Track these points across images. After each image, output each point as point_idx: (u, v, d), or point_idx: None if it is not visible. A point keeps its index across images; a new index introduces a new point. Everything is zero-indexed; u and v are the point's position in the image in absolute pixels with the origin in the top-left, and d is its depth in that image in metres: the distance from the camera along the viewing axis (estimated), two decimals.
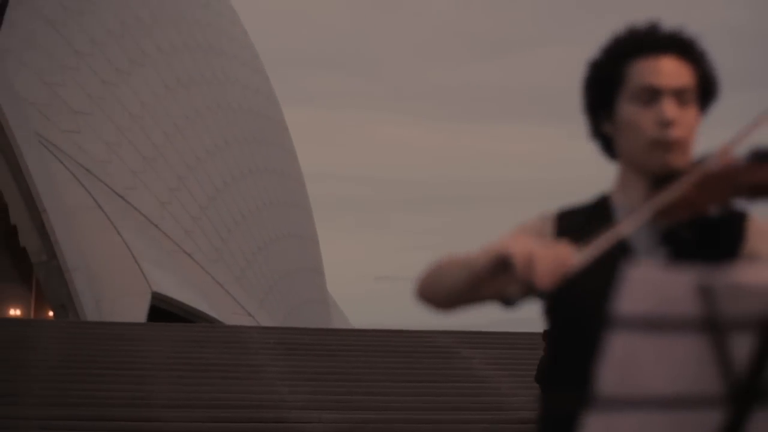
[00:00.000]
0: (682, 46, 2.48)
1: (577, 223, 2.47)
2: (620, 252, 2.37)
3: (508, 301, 2.24)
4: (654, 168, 2.42)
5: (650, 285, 1.63)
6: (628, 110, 2.43)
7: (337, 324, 43.41)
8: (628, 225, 2.29)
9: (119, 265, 36.08)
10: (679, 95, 2.43)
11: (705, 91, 2.49)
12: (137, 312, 34.20)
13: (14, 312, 37.55)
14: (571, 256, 2.20)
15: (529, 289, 2.23)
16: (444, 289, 2.38)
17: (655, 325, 1.65)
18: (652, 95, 2.42)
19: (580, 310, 2.39)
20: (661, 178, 2.39)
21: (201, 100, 44.65)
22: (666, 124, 2.40)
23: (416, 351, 23.61)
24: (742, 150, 2.33)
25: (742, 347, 1.70)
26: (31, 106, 38.70)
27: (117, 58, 42.52)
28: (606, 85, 2.47)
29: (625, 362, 1.67)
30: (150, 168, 41.53)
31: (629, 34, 2.48)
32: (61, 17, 41.84)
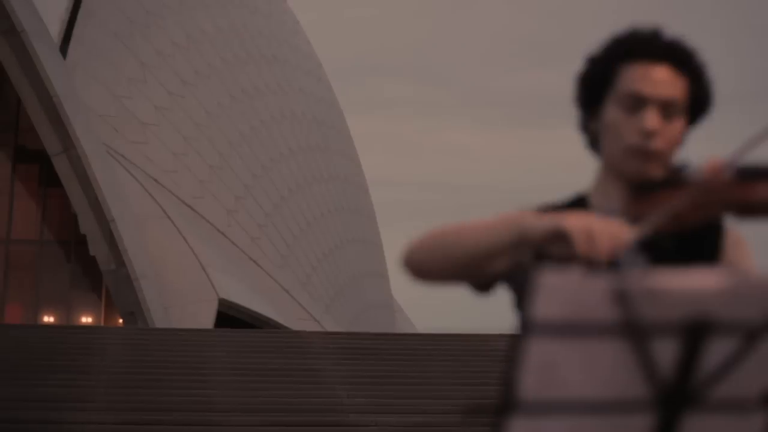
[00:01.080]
0: (678, 57, 2.42)
1: None
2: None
3: (484, 288, 2.23)
4: (630, 175, 2.39)
5: (565, 291, 1.62)
6: (612, 113, 2.39)
7: (402, 328, 43.41)
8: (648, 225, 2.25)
9: (187, 272, 36.36)
10: (665, 106, 2.38)
11: (697, 104, 2.45)
12: (205, 318, 34.45)
13: (86, 319, 37.93)
14: (626, 232, 2.18)
15: (589, 262, 2.18)
16: (447, 259, 2.28)
17: (573, 330, 1.64)
18: (637, 102, 2.37)
19: None
20: (637, 186, 2.36)
21: (265, 109, 44.90)
22: (647, 134, 2.36)
23: (477, 355, 23.55)
24: (731, 166, 2.30)
25: (667, 352, 1.68)
26: (99, 118, 39.13)
27: (183, 69, 42.88)
28: (597, 83, 2.43)
29: (545, 367, 1.66)
30: (216, 177, 41.82)
31: (629, 37, 2.44)
32: (128, 31, 42.26)
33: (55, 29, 40.70)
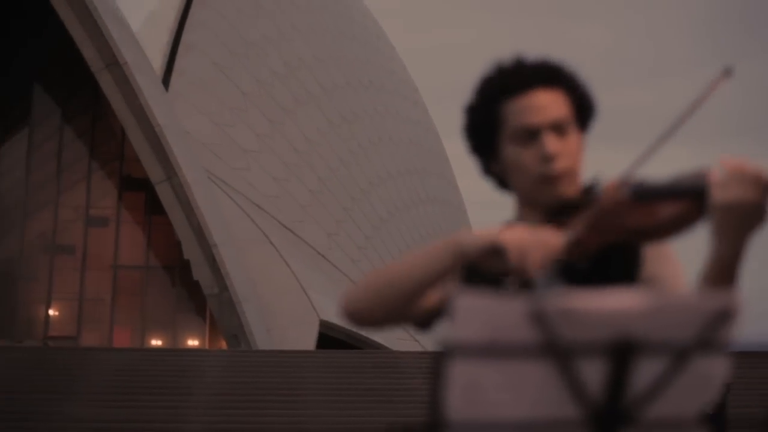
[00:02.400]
0: (548, 77, 2.41)
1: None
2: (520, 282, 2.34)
3: (424, 324, 2.24)
4: (545, 202, 2.37)
5: (482, 313, 1.60)
6: (510, 151, 2.38)
7: None
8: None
9: (288, 295, 36.60)
10: (556, 127, 2.38)
11: (582, 111, 2.44)
12: (306, 340, 34.63)
13: (192, 342, 38.35)
14: (560, 242, 2.18)
15: (522, 277, 2.19)
16: (385, 301, 2.27)
17: (494, 351, 1.62)
18: (530, 134, 2.36)
19: None
20: (554, 209, 2.34)
21: (363, 134, 45.15)
22: (549, 159, 2.35)
23: None
24: (624, 187, 2.25)
25: (594, 372, 1.66)
26: (202, 146, 39.67)
27: (282, 97, 43.30)
28: (485, 129, 2.42)
29: (469, 388, 1.64)
30: (317, 201, 42.10)
31: (497, 75, 2.42)
32: (229, 61, 42.82)
33: (158, 61, 41.42)
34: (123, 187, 37.67)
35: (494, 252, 2.18)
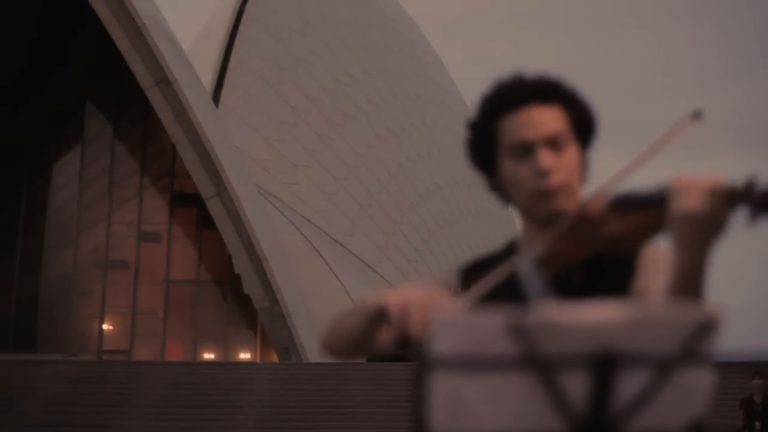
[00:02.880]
0: (545, 93, 2.43)
1: (485, 271, 2.44)
2: (513, 298, 2.35)
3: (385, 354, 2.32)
4: (542, 215, 2.38)
5: (460, 327, 1.61)
6: (507, 166, 2.40)
7: None
8: (503, 272, 2.26)
9: (338, 308, 36.61)
10: (551, 142, 2.38)
11: (581, 127, 2.44)
12: None
13: (243, 356, 38.51)
14: (445, 302, 2.23)
15: (405, 339, 2.29)
16: (342, 340, 2.45)
17: (474, 364, 1.62)
18: (525, 149, 2.37)
19: None
20: (552, 223, 2.35)
21: (412, 147, 45.18)
22: (543, 174, 2.35)
23: None
24: (604, 197, 2.28)
25: (577, 385, 1.65)
26: (252, 161, 39.89)
27: (331, 112, 43.45)
28: (485, 146, 2.45)
29: (453, 401, 1.64)
30: (366, 215, 42.17)
31: (495, 92, 2.45)
32: (278, 77, 43.04)
33: (208, 78, 41.70)
34: (174, 203, 37.93)
35: (383, 313, 2.28)
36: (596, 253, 2.28)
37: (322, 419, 20.16)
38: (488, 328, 1.60)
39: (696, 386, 1.66)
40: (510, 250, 2.47)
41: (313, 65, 43.87)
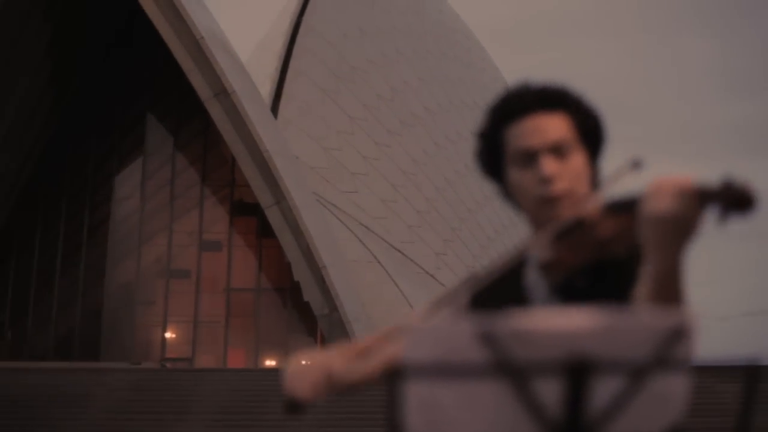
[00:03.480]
0: (549, 100, 2.42)
1: (493, 288, 2.44)
2: (518, 302, 2.35)
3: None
4: (547, 222, 2.38)
5: (432, 334, 1.61)
6: (513, 174, 2.40)
7: None
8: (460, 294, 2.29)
9: (398, 315, 36.65)
10: (556, 150, 2.38)
11: (588, 134, 2.43)
12: None
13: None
14: (335, 367, 2.32)
15: (293, 404, 2.37)
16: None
17: (447, 371, 1.62)
18: (529, 157, 2.37)
19: None
20: (560, 230, 2.34)
21: (469, 154, 44.82)
22: (546, 181, 2.35)
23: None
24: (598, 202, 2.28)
25: (551, 391, 1.65)
26: (311, 171, 40.05)
27: (388, 120, 43.52)
28: (492, 154, 2.45)
29: (427, 408, 1.65)
30: (424, 222, 42.17)
31: (501, 101, 2.46)
32: (335, 86, 43.19)
33: (266, 89, 41.95)
34: (234, 212, 38.17)
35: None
36: (597, 258, 2.27)
37: (384, 424, 20.18)
38: (459, 336, 1.60)
39: (671, 392, 1.66)
40: (520, 261, 2.48)
41: (369, 74, 43.97)
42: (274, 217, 34.00)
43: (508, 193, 2.48)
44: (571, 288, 2.33)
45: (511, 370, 1.62)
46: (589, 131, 2.43)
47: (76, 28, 36.40)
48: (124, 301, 37.65)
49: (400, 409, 1.65)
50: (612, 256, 2.26)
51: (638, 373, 1.63)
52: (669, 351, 1.62)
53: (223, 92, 33.28)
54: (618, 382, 1.64)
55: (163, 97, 38.75)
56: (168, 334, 37.58)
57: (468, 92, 46.41)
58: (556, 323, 1.61)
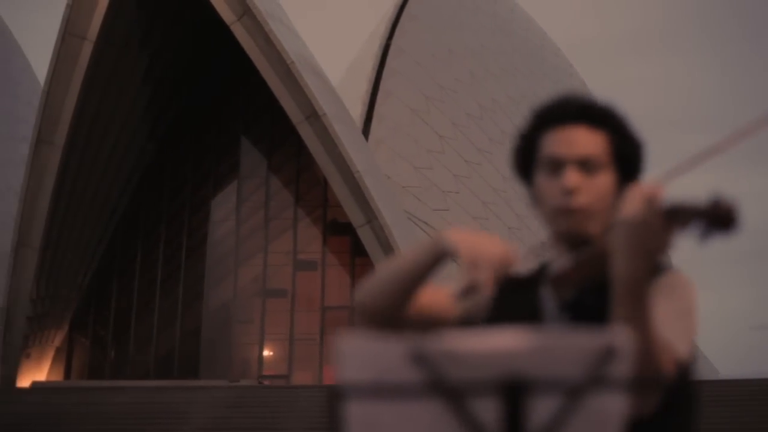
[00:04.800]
0: (591, 116, 2.40)
1: (514, 293, 2.42)
2: (529, 316, 2.33)
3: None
4: (562, 234, 2.36)
5: (364, 355, 1.62)
6: (539, 180, 2.41)
7: (703, 374, 42.00)
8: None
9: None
10: (584, 164, 2.36)
11: (624, 157, 2.40)
12: None
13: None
14: (515, 257, 2.22)
15: (470, 288, 2.25)
16: (386, 291, 2.41)
17: (384, 392, 1.63)
18: (556, 165, 2.37)
19: None
20: (575, 244, 2.33)
21: None
22: (567, 192, 2.33)
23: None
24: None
25: (489, 411, 1.65)
26: (403, 190, 40.13)
27: (478, 138, 43.45)
28: (526, 156, 2.44)
29: (368, 427, 1.65)
30: (515, 238, 41.99)
31: (545, 107, 2.45)
32: (424, 106, 43.26)
33: (357, 111, 42.17)
34: (328, 232, 38.38)
35: (448, 254, 2.23)
36: (600, 273, 2.25)
37: None
38: (391, 356, 1.61)
39: (609, 411, 1.64)
40: (542, 269, 2.47)
41: (458, 93, 43.96)
42: (366, 236, 34.10)
43: (533, 198, 2.48)
44: (580, 305, 2.32)
45: (445, 390, 1.62)
46: (626, 156, 2.41)
47: (170, 57, 36.98)
48: (222, 320, 38.05)
49: (342, 428, 1.66)
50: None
51: (574, 393, 1.62)
52: (603, 370, 1.61)
53: (313, 115, 33.52)
54: (555, 402, 1.63)
55: (256, 121, 39.16)
56: (265, 352, 37.87)
57: None
58: (489, 343, 1.62)
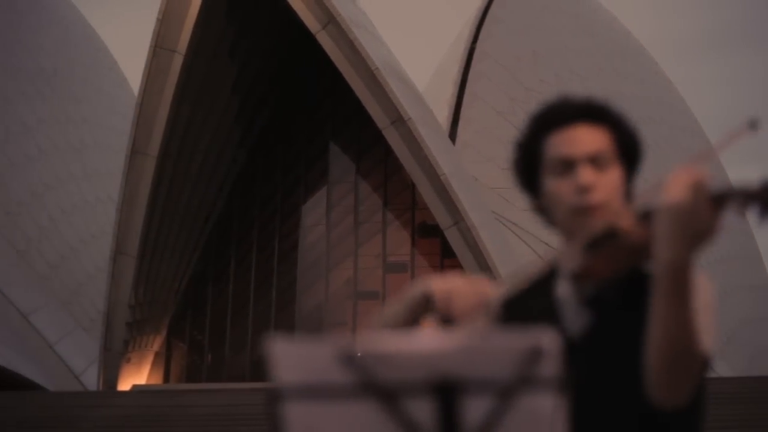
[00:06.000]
0: (591, 114, 2.38)
1: (523, 299, 2.39)
2: (548, 314, 2.30)
3: None
4: (581, 233, 2.32)
5: (295, 357, 1.64)
6: (549, 184, 2.37)
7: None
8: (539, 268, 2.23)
9: None
10: (594, 161, 2.33)
11: (626, 150, 2.37)
12: None
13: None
14: (489, 290, 2.20)
15: (449, 324, 2.24)
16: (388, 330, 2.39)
17: (317, 393, 1.65)
18: (567, 165, 2.34)
19: None
20: (591, 240, 2.28)
21: (648, 170, 44.06)
22: (583, 190, 2.30)
23: None
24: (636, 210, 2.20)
25: (424, 410, 1.65)
26: (491, 191, 39.99)
27: None
28: (529, 164, 2.41)
29: (306, 429, 1.67)
30: None
31: (543, 111, 2.41)
32: (510, 108, 43.09)
33: (444, 114, 42.15)
34: (417, 234, 38.38)
35: (428, 299, 2.23)
36: (628, 269, 2.21)
37: None
38: (321, 358, 1.63)
39: (541, 411, 1.64)
40: (551, 273, 2.44)
41: (543, 94, 43.57)
42: (453, 237, 34.06)
43: (542, 206, 2.45)
44: (601, 300, 2.28)
45: (378, 391, 1.63)
46: (628, 148, 2.39)
47: (258, 66, 37.33)
48: (315, 323, 38.27)
49: (282, 430, 1.68)
50: (647, 266, 2.19)
51: (505, 393, 1.63)
52: (530, 371, 1.61)
53: (399, 120, 33.58)
54: (487, 401, 1.63)
55: (344, 128, 39.33)
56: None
57: (642, 108, 45.62)
58: (419, 345, 1.62)
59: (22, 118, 44.44)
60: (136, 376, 35.38)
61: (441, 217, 34.02)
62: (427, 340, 1.63)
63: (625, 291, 2.24)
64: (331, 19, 33.75)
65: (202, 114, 35.39)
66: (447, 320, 2.21)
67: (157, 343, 37.18)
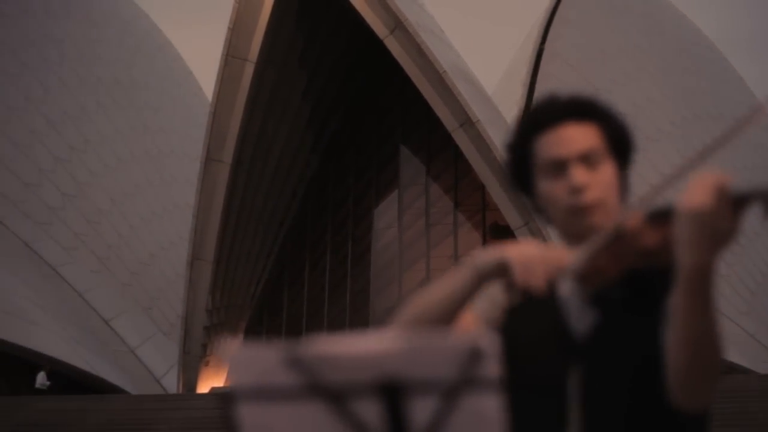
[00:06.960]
0: (578, 111, 2.35)
1: (526, 308, 2.38)
2: (552, 314, 2.29)
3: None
4: (578, 233, 2.31)
5: (245, 360, 1.67)
6: (543, 185, 2.34)
7: None
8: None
9: None
10: (585, 159, 2.31)
11: (617, 144, 2.36)
12: None
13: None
14: (566, 259, 2.17)
15: (525, 293, 2.21)
16: (434, 310, 2.30)
17: (268, 395, 1.68)
18: (559, 167, 2.31)
19: (510, 364, 2.31)
20: (589, 238, 2.26)
21: (721, 166, 43.67)
22: (577, 190, 2.29)
23: None
24: (640, 211, 2.17)
25: (372, 412, 1.67)
26: None
27: (634, 136, 42.78)
28: (521, 167, 2.39)
29: (260, 428, 1.70)
30: None
31: (530, 114, 2.40)
32: None
33: (513, 115, 41.98)
34: (488, 235, 38.30)
35: (503, 267, 2.19)
36: (634, 268, 2.19)
37: None
38: (268, 361, 1.66)
39: (486, 411, 1.65)
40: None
41: (612, 93, 43.29)
42: (523, 237, 33.93)
43: (539, 206, 2.44)
44: (606, 299, 2.28)
45: (325, 392, 1.66)
46: (618, 142, 2.37)
47: (328, 73, 37.50)
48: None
49: (237, 430, 1.72)
50: (653, 267, 2.18)
51: (449, 393, 1.64)
52: (472, 371, 1.63)
53: (467, 122, 33.54)
54: (432, 402, 1.65)
55: (414, 131, 39.37)
56: None
57: (712, 104, 45.07)
58: (360, 346, 1.64)
59: (100, 128, 45.11)
60: (214, 379, 35.71)
61: (511, 217, 33.91)
62: (371, 341, 1.65)
63: (629, 290, 2.22)
64: (398, 24, 33.80)
65: (274, 121, 35.64)
66: (513, 288, 2.17)
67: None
